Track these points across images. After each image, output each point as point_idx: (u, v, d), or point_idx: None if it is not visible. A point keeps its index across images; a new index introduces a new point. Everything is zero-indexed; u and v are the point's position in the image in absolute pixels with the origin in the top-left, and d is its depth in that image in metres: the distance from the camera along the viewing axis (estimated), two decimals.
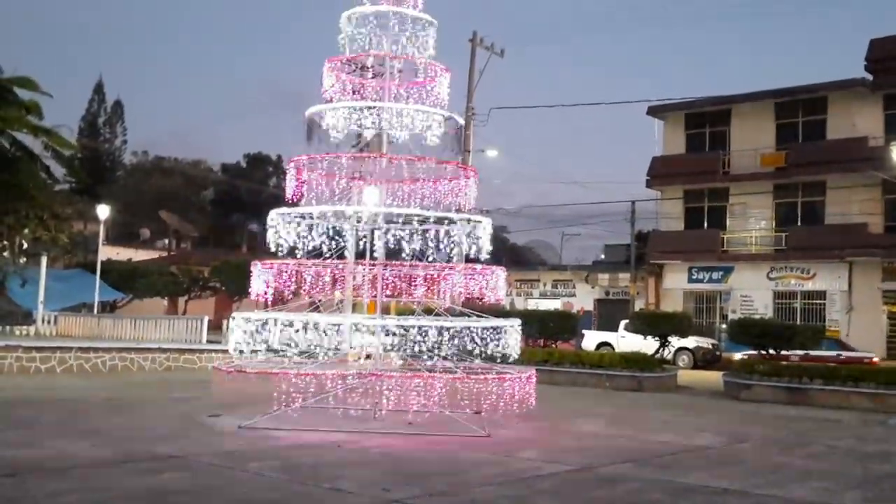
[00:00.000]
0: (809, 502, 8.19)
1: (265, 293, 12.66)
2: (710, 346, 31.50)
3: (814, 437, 13.15)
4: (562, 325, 25.78)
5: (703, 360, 30.15)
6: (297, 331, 12.42)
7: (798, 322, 33.04)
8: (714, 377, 22.62)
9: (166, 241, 60.17)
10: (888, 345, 31.61)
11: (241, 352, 12.27)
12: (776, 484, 8.98)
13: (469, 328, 12.19)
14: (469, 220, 13.07)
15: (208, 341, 23.26)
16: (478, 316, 12.91)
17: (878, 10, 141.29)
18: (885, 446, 12.42)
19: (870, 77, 34.69)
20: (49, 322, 26.58)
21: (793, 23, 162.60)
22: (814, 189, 35.31)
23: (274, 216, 12.79)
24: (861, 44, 35.67)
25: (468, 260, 13.21)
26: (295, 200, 12.87)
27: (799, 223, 35.44)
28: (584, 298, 40.73)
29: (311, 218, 12.96)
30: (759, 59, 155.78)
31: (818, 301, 34.56)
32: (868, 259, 32.69)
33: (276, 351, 14.99)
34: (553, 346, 25.16)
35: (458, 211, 13.15)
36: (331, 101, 13.39)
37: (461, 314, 13.08)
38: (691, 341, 29.89)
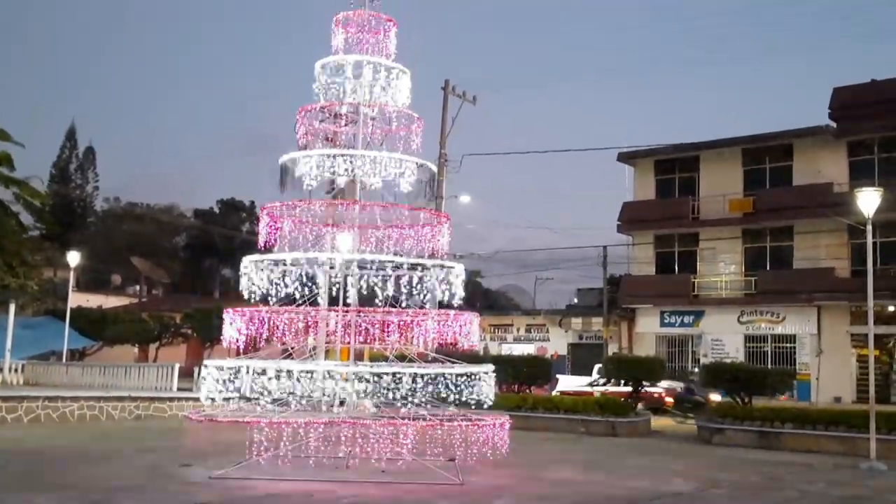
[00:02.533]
0: None
1: (237, 340, 12.60)
2: (682, 391, 31.53)
3: (786, 482, 13.20)
4: (536, 370, 25.78)
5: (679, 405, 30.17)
6: (270, 378, 12.36)
7: (769, 366, 33.29)
8: (687, 422, 22.67)
9: (137, 287, 59.67)
10: (858, 388, 31.87)
11: (213, 400, 12.16)
12: None
13: (443, 375, 12.18)
14: (442, 266, 13.14)
15: (179, 389, 22.96)
16: (451, 362, 12.91)
17: (841, 58, 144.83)
18: (857, 491, 12.49)
19: (834, 125, 35.49)
20: (16, 370, 26.16)
21: (759, 71, 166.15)
22: (782, 234, 35.85)
23: (247, 263, 12.79)
24: (825, 92, 36.56)
25: (441, 305, 13.25)
26: (268, 247, 12.88)
27: (768, 267, 35.88)
28: (557, 343, 40.81)
29: (285, 264, 12.96)
30: (727, 106, 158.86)
31: (788, 344, 34.87)
32: (836, 303, 33.11)
33: (248, 399, 14.87)
34: (527, 391, 25.12)
35: (432, 257, 13.23)
36: (304, 148, 13.48)
37: (434, 360, 13.07)
38: (664, 386, 29.95)
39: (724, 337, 36.08)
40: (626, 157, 39.60)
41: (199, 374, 16.93)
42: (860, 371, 32.35)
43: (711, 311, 36.48)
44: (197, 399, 15.70)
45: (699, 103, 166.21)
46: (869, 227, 16.55)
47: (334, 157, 13.05)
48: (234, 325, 12.58)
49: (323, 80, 13.72)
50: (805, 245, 34.80)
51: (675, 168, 39.10)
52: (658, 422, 23.37)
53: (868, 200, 16.40)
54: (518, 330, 42.51)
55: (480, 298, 60.35)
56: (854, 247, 32.71)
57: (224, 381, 11.99)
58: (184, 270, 68.20)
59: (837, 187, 33.25)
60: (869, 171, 33.51)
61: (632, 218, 38.93)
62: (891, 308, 31.92)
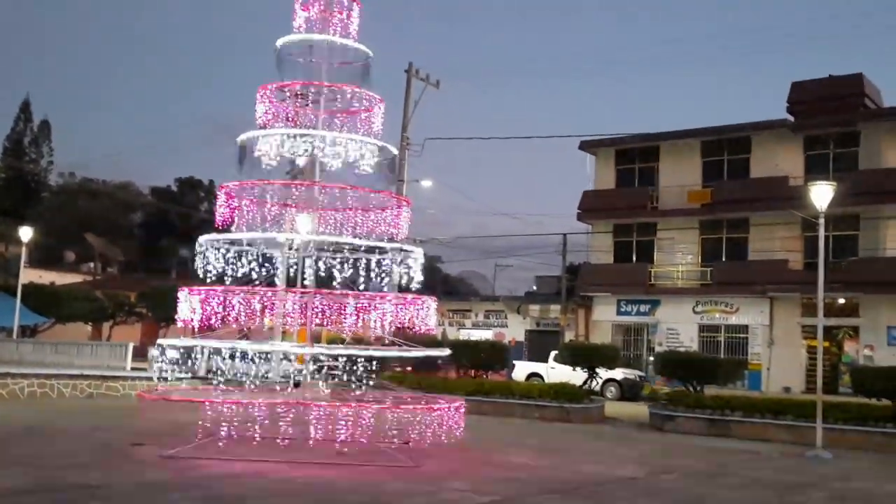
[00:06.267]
0: None
1: (192, 320, 12.48)
2: (637, 378, 31.99)
3: (734, 469, 13.44)
4: (493, 356, 25.87)
5: (630, 391, 30.60)
6: (225, 359, 12.29)
7: (722, 355, 33.82)
8: (640, 409, 22.97)
9: (92, 264, 58.68)
10: (807, 378, 32.52)
11: (166, 379, 12.05)
12: None
13: (400, 358, 12.20)
14: (401, 250, 13.13)
15: (133, 368, 22.73)
16: (409, 346, 12.93)
17: (802, 53, 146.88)
18: (802, 478, 12.75)
19: (791, 119, 36.02)
20: None
21: (720, 65, 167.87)
22: (738, 226, 36.37)
23: (203, 242, 12.66)
24: (784, 86, 37.08)
25: (400, 289, 13.25)
26: (225, 226, 12.76)
27: (723, 258, 36.40)
28: (515, 329, 41.04)
29: (241, 244, 12.85)
30: (688, 100, 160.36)
31: (741, 335, 35.45)
32: (788, 295, 33.70)
33: (202, 379, 14.77)
34: (484, 376, 25.24)
35: (391, 240, 13.21)
36: (264, 127, 13.35)
37: (392, 344, 13.08)
38: (619, 373, 30.34)
39: (678, 326, 36.57)
40: (588, 146, 39.83)
41: (152, 353, 16.78)
42: (809, 362, 32.99)
43: (667, 300, 36.93)
44: (150, 378, 15.56)
45: (663, 94, 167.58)
46: (821, 221, 16.84)
47: (294, 137, 12.94)
48: (188, 305, 12.46)
49: (284, 58, 13.58)
50: (760, 237, 35.34)
51: (635, 158, 39.43)
52: (613, 406, 23.64)
53: (821, 194, 16.68)
54: (476, 316, 42.67)
55: (440, 284, 60.42)
56: (807, 240, 33.30)
57: (177, 361, 11.89)
58: (140, 249, 67.24)
59: (793, 181, 33.78)
60: (824, 166, 34.12)
61: (592, 207, 39.19)
62: (841, 301, 32.58)
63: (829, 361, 32.06)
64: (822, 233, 16.87)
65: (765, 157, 35.73)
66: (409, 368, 24.41)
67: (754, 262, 35.14)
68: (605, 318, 38.56)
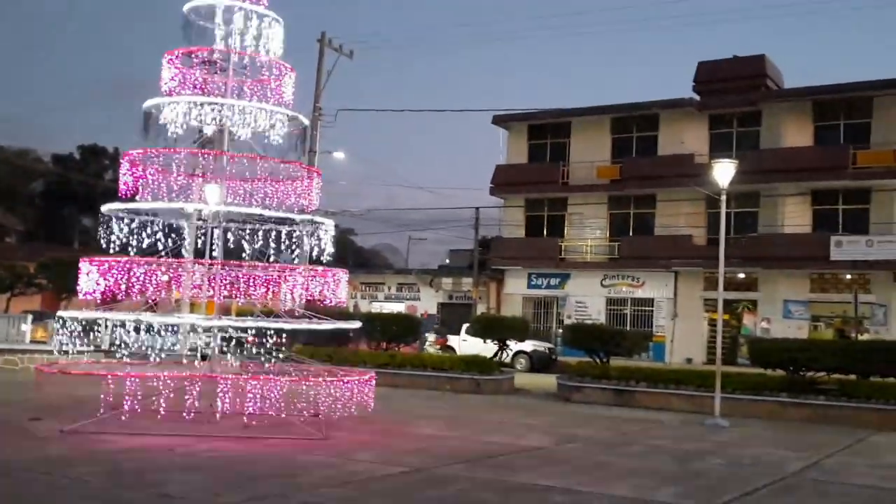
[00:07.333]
0: (628, 498, 8.64)
1: (95, 291, 12.13)
2: (547, 350, 32.60)
3: (636, 438, 13.87)
4: (405, 329, 25.93)
5: (539, 363, 31.17)
6: (129, 332, 12.00)
7: (628, 327, 34.70)
8: (549, 380, 23.42)
9: None
10: (708, 350, 33.66)
11: (67, 353, 11.72)
12: (599, 481, 9.43)
13: (310, 331, 12.13)
14: (312, 222, 13.02)
15: (32, 341, 22.00)
16: (319, 318, 12.86)
17: (711, 33, 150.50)
18: (701, 445, 13.25)
19: (697, 98, 36.96)
20: None
21: (633, 41, 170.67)
22: (645, 202, 37.25)
23: (105, 211, 12.30)
24: (692, 65, 38.00)
25: (311, 261, 13.15)
26: (129, 196, 12.42)
27: (631, 233, 37.26)
28: (428, 302, 41.23)
29: (147, 214, 12.54)
30: (602, 75, 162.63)
31: (647, 308, 36.44)
32: (692, 269, 34.75)
33: (106, 352, 14.39)
34: (396, 349, 25.31)
35: (301, 212, 13.07)
36: (170, 94, 12.99)
37: (302, 316, 12.98)
38: (529, 345, 30.84)
39: (587, 299, 37.33)
40: (501, 121, 40.08)
41: (52, 326, 16.25)
42: (710, 334, 34.12)
43: (577, 274, 37.63)
44: (51, 352, 15.05)
45: (576, 70, 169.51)
46: (723, 198, 17.38)
47: (202, 105, 12.66)
48: (90, 276, 12.10)
49: (192, 23, 13.22)
50: (666, 213, 36.28)
51: (547, 134, 39.87)
52: (523, 378, 24.04)
53: (723, 171, 17.21)
54: (389, 289, 42.68)
55: (353, 256, 60.11)
56: (711, 216, 34.28)
57: (79, 333, 11.56)
58: (40, 218, 64.78)
59: (698, 158, 34.71)
60: (728, 144, 35.21)
61: (504, 181, 39.51)
62: (741, 275, 33.78)
63: (729, 334, 33.28)
64: (723, 209, 17.41)
65: (672, 134, 36.62)
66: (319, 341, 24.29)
67: (660, 237, 36.10)
68: (517, 292, 39.08)
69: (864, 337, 29.73)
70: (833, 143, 33.70)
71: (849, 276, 32.45)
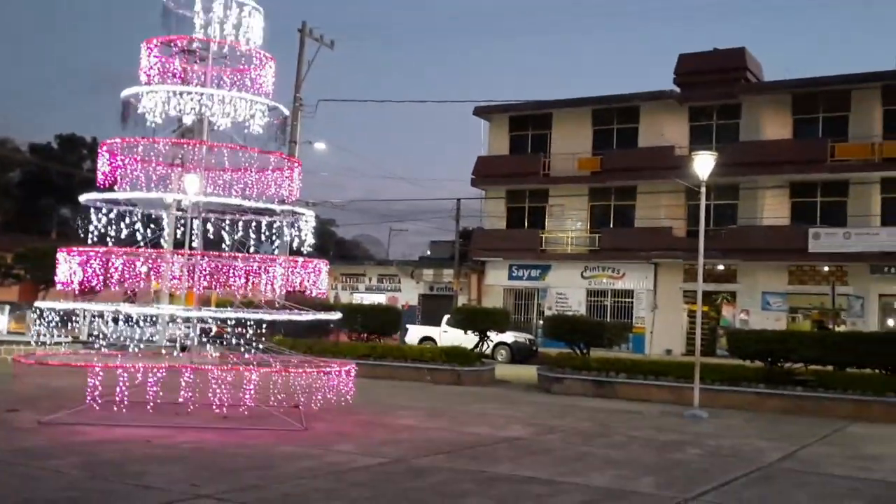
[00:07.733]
0: (607, 488, 8.68)
1: (72, 282, 12.04)
2: (527, 342, 32.69)
3: (616, 428, 13.94)
4: (386, 320, 25.95)
5: (520, 354, 31.26)
6: (108, 322, 11.93)
7: (608, 319, 34.88)
8: (530, 371, 23.50)
9: None
10: (687, 341, 33.89)
11: (45, 343, 11.63)
12: (578, 472, 9.47)
13: (291, 322, 12.10)
14: (292, 213, 12.97)
15: (10, 332, 21.81)
16: (300, 310, 12.83)
17: (693, 25, 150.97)
18: (679, 436, 13.33)
19: (678, 90, 37.11)
20: None
21: (614, 34, 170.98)
22: (625, 193, 37.40)
23: (83, 201, 12.20)
24: (673, 58, 38.18)
25: (292, 252, 13.10)
26: (107, 186, 12.31)
27: (611, 225, 37.41)
28: (408, 293, 41.24)
29: (125, 204, 12.44)
30: (581, 68, 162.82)
31: (627, 299, 36.64)
32: (672, 261, 34.95)
33: (84, 343, 14.28)
34: (377, 340, 25.30)
35: (282, 202, 13.01)
36: (149, 83, 12.88)
37: (283, 307, 12.95)
38: (509, 336, 30.93)
39: (568, 291, 37.47)
40: (483, 112, 40.09)
41: (30, 316, 16.14)
42: (690, 325, 34.40)
43: (557, 265, 37.75)
44: (28, 343, 14.94)
45: (558, 62, 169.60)
46: (703, 190, 17.47)
47: (181, 94, 12.54)
48: (68, 267, 12.00)
49: (171, 11, 13.10)
50: (646, 205, 36.46)
51: (528, 125, 39.92)
52: (503, 369, 24.10)
53: (703, 164, 17.29)
54: (370, 280, 42.66)
55: (334, 247, 59.99)
56: (690, 208, 34.52)
57: (57, 324, 11.47)
58: (18, 208, 64.15)
59: (679, 150, 34.89)
60: (707, 137, 35.41)
61: (485, 172, 39.54)
62: (720, 267, 34.01)
63: (708, 325, 33.55)
64: (703, 201, 17.49)
65: (652, 126, 36.77)
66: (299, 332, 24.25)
67: (640, 228, 36.28)
68: (497, 283, 39.16)
69: (842, 328, 30.03)
70: (812, 135, 33.98)
71: (826, 269, 32.76)
